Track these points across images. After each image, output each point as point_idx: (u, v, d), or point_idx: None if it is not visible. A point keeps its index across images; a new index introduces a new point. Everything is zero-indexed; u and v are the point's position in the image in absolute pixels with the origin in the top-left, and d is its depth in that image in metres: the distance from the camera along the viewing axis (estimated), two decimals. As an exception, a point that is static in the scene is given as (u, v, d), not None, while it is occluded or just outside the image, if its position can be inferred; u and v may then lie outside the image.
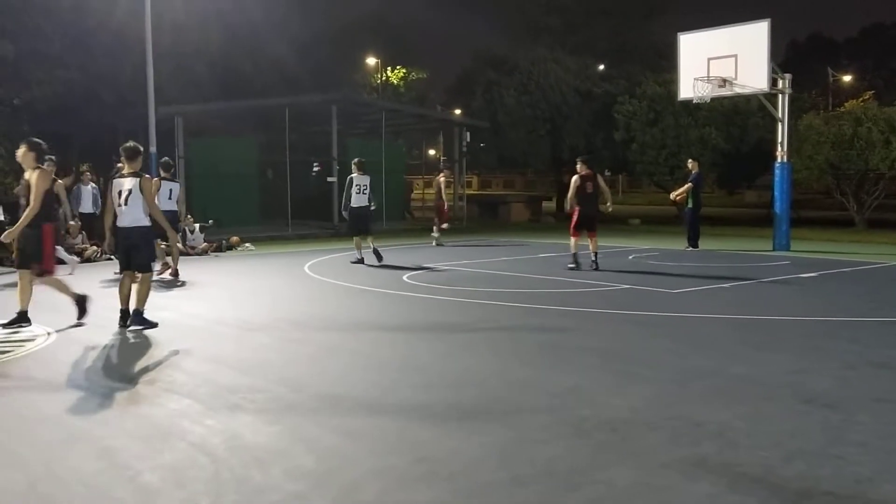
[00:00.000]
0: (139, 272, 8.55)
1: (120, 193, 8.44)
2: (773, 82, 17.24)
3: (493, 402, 5.71)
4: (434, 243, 19.20)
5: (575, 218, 13.70)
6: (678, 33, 18.57)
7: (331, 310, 10.02)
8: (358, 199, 14.55)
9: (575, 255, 13.71)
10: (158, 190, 12.50)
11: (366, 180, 14.65)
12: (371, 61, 51.40)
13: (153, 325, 8.50)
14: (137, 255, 8.52)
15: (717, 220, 26.12)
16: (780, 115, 17.66)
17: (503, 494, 4.05)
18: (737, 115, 26.77)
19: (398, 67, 56.05)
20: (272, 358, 7.16)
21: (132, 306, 8.52)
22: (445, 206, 20.40)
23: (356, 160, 14.93)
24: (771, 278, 12.57)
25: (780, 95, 17.57)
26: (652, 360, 6.99)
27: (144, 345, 7.71)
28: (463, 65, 43.07)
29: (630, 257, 16.03)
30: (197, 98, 25.06)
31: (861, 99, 28.27)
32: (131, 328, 8.42)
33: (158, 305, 10.16)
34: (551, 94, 29.80)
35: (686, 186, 17.78)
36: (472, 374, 6.53)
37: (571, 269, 13.52)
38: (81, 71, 21.56)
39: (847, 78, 48.03)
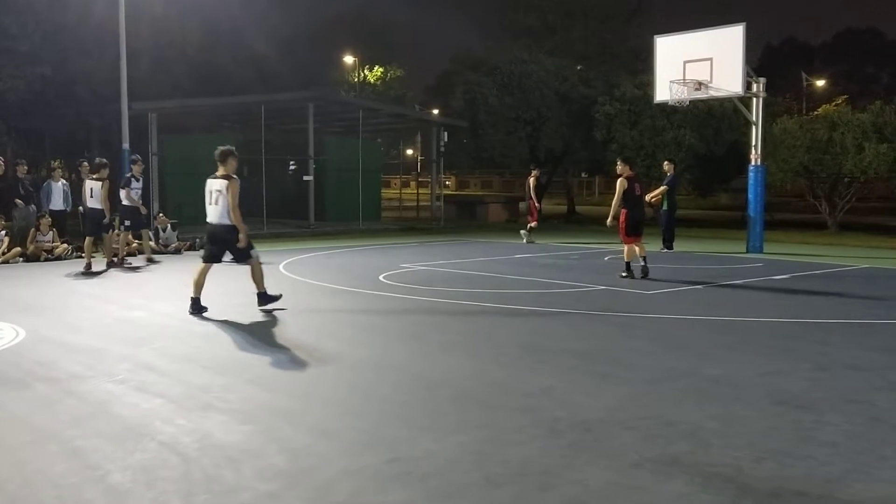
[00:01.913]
0: (242, 264, 9.49)
1: (211, 193, 9.19)
2: (748, 86, 17.37)
3: (467, 402, 5.70)
4: (524, 241, 19.63)
5: (624, 222, 12.64)
6: (655, 36, 18.64)
7: (305, 309, 9.95)
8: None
9: (629, 263, 12.59)
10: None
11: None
12: (349, 59, 51.26)
13: (276, 297, 9.50)
14: (233, 250, 9.37)
15: (692, 222, 26.30)
16: (754, 119, 17.81)
17: (477, 495, 4.04)
18: (711, 118, 26.97)
19: (376, 66, 55.95)
20: (245, 357, 7.11)
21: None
22: (536, 205, 20.44)
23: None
24: (744, 280, 12.67)
25: (754, 99, 17.72)
26: (626, 360, 7.01)
27: (116, 344, 7.62)
28: (442, 65, 43.06)
29: (606, 258, 16.09)
30: (175, 94, 24.86)
31: (834, 104, 28.58)
32: (260, 308, 9.37)
33: (131, 305, 10.09)
34: (531, 95, 29.87)
35: (661, 188, 17.89)
36: (448, 374, 6.52)
37: (624, 277, 12.51)
38: (56, 67, 21.31)
39: (821, 82, 48.56)
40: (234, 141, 26.01)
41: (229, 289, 11.80)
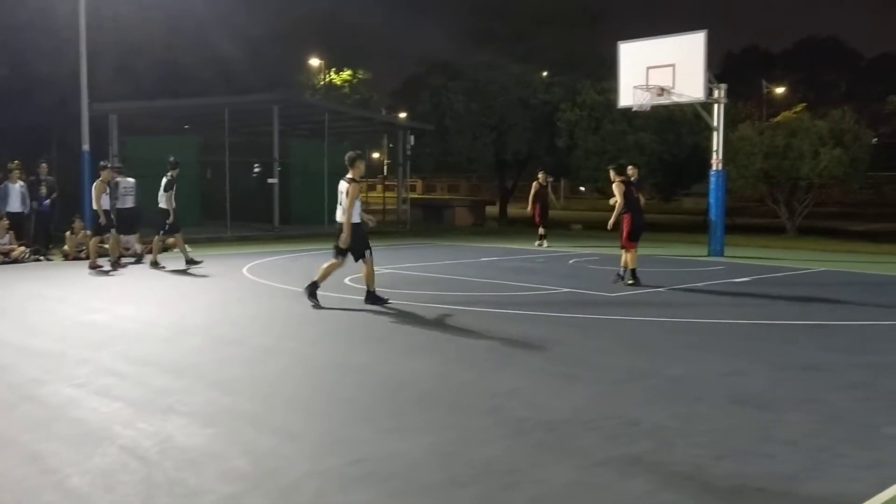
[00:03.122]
0: (334, 256, 10.06)
1: (339, 194, 9.96)
2: (710, 92, 17.59)
3: (433, 403, 5.70)
4: (545, 245, 19.74)
5: (627, 228, 12.21)
6: (618, 42, 18.79)
7: (268, 312, 9.89)
8: (127, 201, 15.64)
9: (633, 270, 12.25)
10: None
11: (132, 182, 15.97)
12: (315, 62, 51.00)
13: (384, 300, 10.08)
14: (353, 248, 9.98)
15: (654, 226, 26.57)
16: (715, 124, 18.03)
17: (442, 495, 4.04)
18: (672, 123, 27.28)
19: (343, 69, 55.71)
20: (206, 360, 7.04)
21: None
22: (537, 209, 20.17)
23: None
24: (706, 283, 12.82)
25: (716, 105, 17.94)
26: (590, 361, 7.07)
27: (76, 347, 7.50)
28: (409, 68, 42.96)
29: (571, 261, 16.20)
30: (137, 95, 24.55)
31: (793, 111, 29.08)
32: (367, 306, 9.99)
33: (91, 308, 9.94)
34: (496, 100, 29.97)
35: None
36: (413, 376, 6.51)
37: (630, 284, 12.08)
38: (15, 67, 20.96)
39: (780, 90, 49.31)
40: (196, 143, 25.97)
41: (192, 290, 11.69)
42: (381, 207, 32.35)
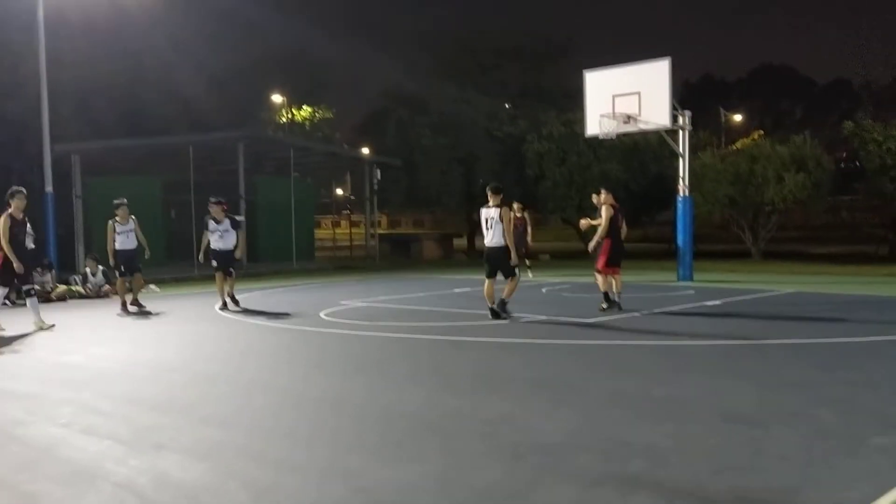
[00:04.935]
0: (507, 277, 11.38)
1: (486, 220, 11.24)
2: (674, 118, 17.90)
3: (425, 430, 5.68)
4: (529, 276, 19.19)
5: (606, 253, 12.26)
6: (584, 70, 19.07)
7: (248, 348, 9.79)
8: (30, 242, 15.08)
9: (607, 293, 12.32)
10: None
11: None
12: (277, 99, 50.95)
13: (509, 315, 11.36)
14: (501, 267, 11.36)
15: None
16: (680, 151, 18.35)
17: (447, 519, 4.02)
18: (636, 152, 27.69)
19: (304, 106, 55.73)
20: (192, 396, 6.94)
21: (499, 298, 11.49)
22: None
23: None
24: (680, 306, 12.97)
25: (680, 132, 18.27)
26: (577, 385, 7.10)
27: (55, 388, 7.35)
28: (370, 104, 42.93)
29: (543, 290, 16.28)
30: (96, 134, 24.33)
31: (752, 138, 29.72)
32: (495, 308, 11.38)
33: (66, 349, 9.77)
34: (463, 134, 30.21)
35: (598, 220, 18.16)
36: (402, 405, 6.48)
37: (605, 309, 12.16)
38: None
39: (738, 117, 50.33)
40: (160, 182, 25.75)
41: (167, 329, 11.54)
42: (348, 243, 32.35)
